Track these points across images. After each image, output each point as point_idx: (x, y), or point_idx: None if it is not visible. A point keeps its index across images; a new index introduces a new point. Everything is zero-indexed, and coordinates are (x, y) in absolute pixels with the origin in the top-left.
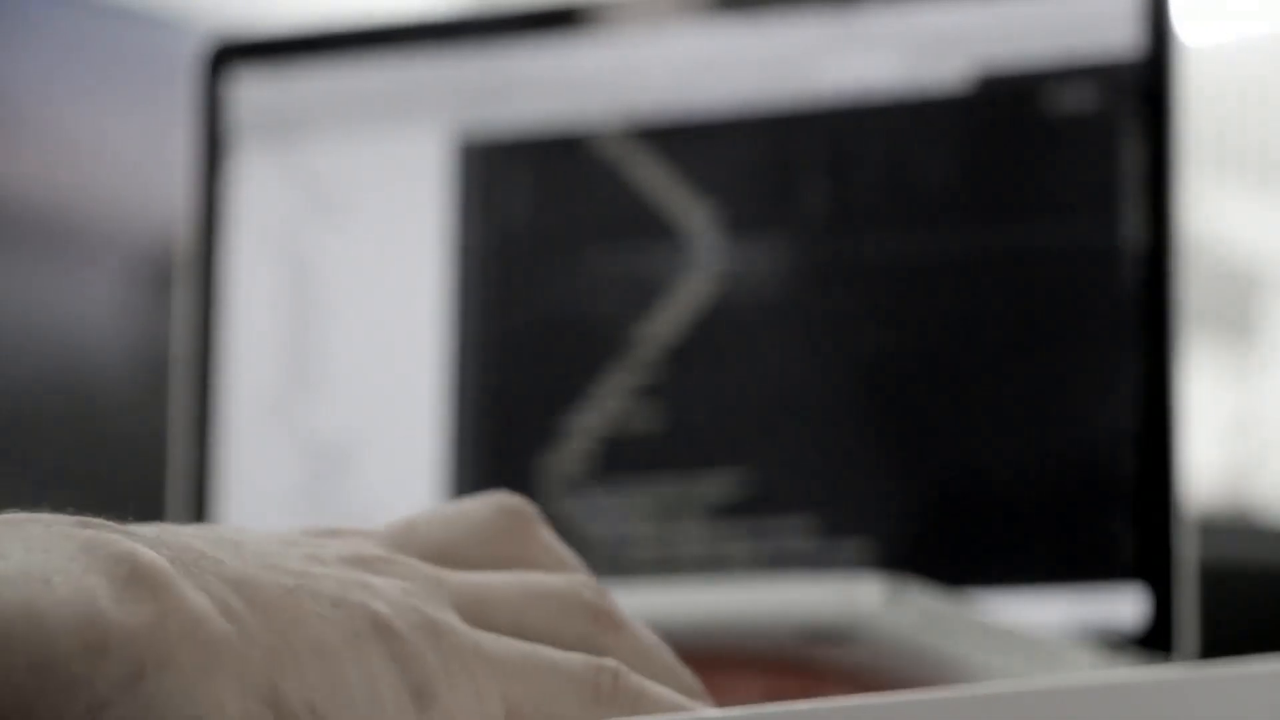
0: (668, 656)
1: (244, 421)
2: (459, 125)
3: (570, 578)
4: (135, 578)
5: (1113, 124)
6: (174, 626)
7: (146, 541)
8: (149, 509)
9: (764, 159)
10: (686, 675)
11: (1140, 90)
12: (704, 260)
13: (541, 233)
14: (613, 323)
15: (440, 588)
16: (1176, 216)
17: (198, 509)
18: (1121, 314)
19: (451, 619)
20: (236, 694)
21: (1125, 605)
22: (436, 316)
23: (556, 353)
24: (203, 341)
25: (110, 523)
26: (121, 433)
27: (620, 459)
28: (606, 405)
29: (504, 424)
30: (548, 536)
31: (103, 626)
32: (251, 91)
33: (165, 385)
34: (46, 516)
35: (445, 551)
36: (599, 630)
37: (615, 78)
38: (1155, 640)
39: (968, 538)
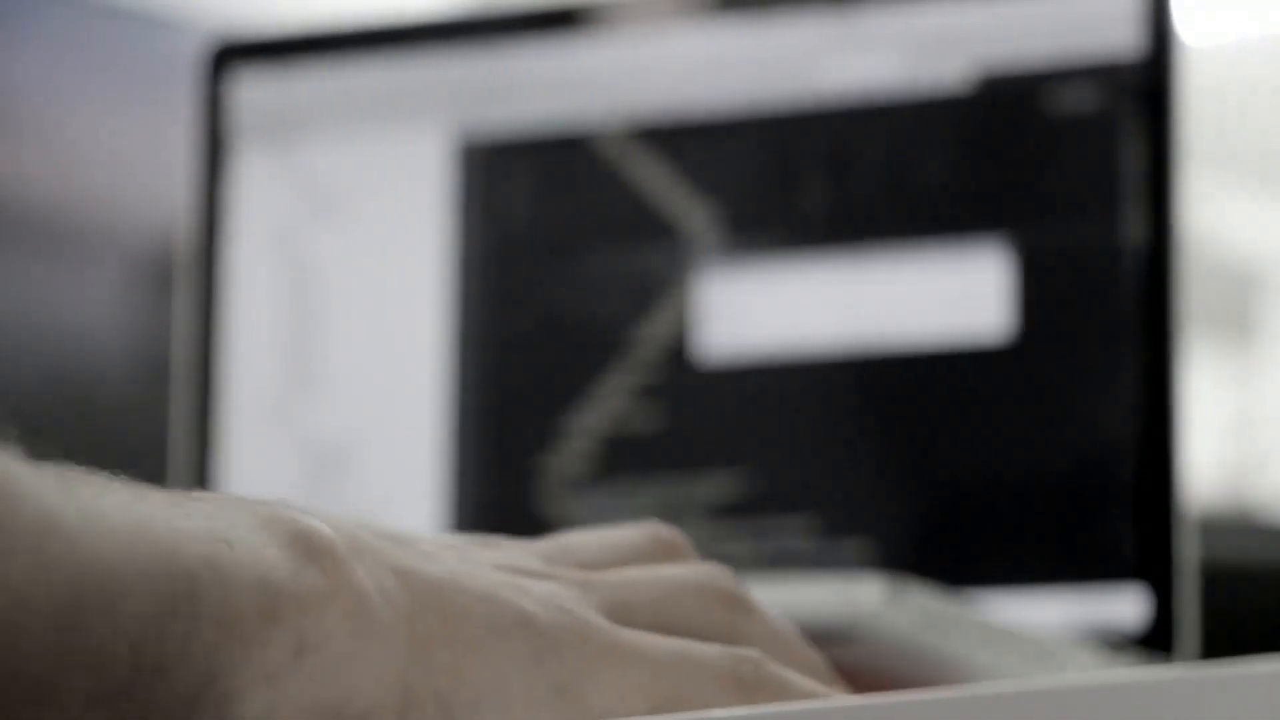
0: (796, 637)
1: (244, 421)
2: (459, 125)
3: (705, 568)
4: (311, 552)
5: (1113, 124)
6: (339, 606)
7: (322, 521)
8: None
9: (764, 159)
10: (813, 654)
11: (1140, 90)
12: (704, 261)
13: (542, 233)
14: (613, 323)
15: (588, 591)
16: (1176, 216)
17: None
18: (1121, 314)
19: (598, 619)
20: (378, 679)
21: (1125, 605)
22: (436, 317)
23: (557, 353)
24: (203, 341)
25: (288, 504)
26: (121, 433)
27: (620, 459)
28: (607, 405)
29: (504, 424)
30: (693, 558)
31: (276, 592)
32: (252, 92)
33: (165, 385)
34: (230, 495)
35: (595, 567)
36: (736, 617)
37: (615, 78)
38: (1155, 640)
39: (968, 538)
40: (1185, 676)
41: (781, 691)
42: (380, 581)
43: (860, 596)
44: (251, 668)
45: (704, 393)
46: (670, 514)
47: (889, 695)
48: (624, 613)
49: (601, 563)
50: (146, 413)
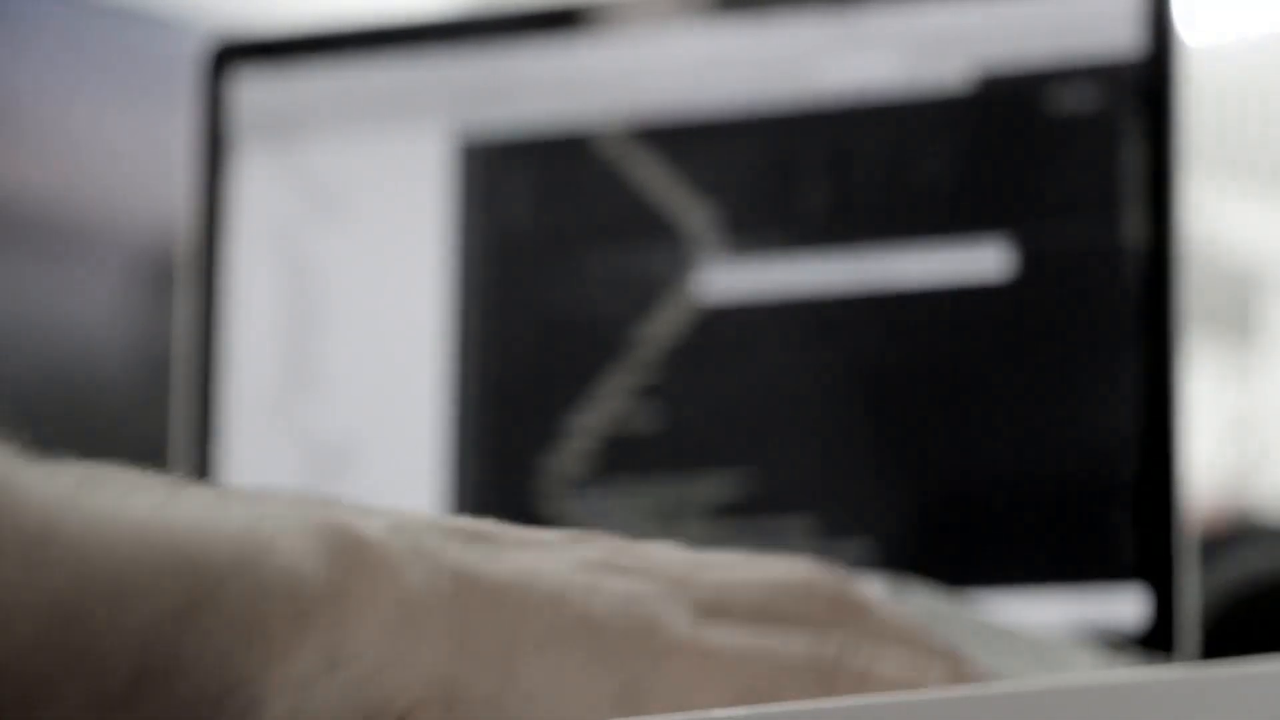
0: (914, 635)
1: (244, 421)
2: (460, 125)
3: (811, 566)
4: (356, 559)
5: (1113, 124)
6: (382, 612)
7: (380, 525)
8: None
9: (764, 159)
10: (934, 659)
11: (1141, 90)
12: (704, 263)
13: (542, 233)
14: (613, 323)
15: (681, 590)
16: (1177, 217)
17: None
18: (1122, 314)
19: (680, 618)
20: (415, 679)
21: (1125, 605)
22: (437, 316)
23: (557, 353)
24: (203, 341)
25: (352, 505)
26: (121, 433)
27: (620, 459)
28: (607, 405)
29: (504, 424)
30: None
31: (310, 599)
32: (253, 92)
33: (165, 385)
34: (288, 494)
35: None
36: (839, 615)
37: (616, 78)
38: (1155, 640)
39: (968, 538)
40: (1185, 676)
41: (862, 684)
42: (434, 584)
43: None
44: (278, 674)
45: (704, 393)
46: (670, 514)
47: (889, 695)
48: (719, 611)
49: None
50: (146, 413)
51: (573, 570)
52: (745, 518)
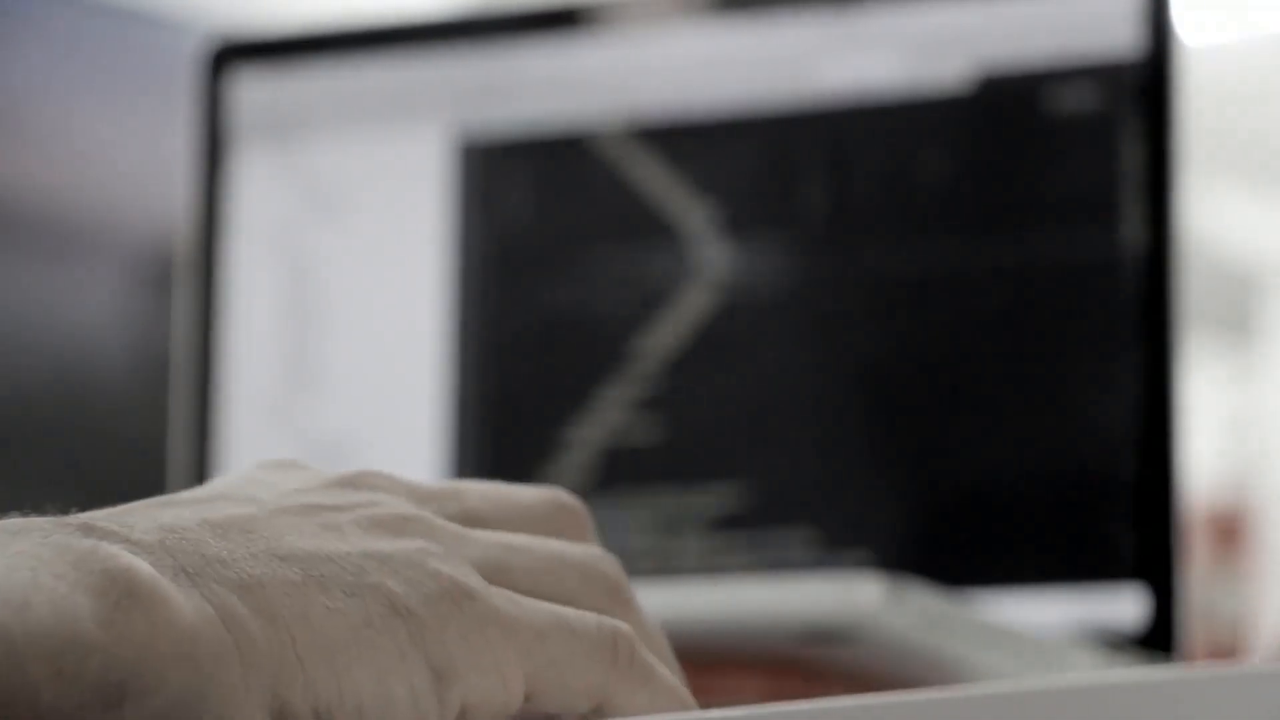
0: (666, 644)
1: (244, 421)
2: (459, 125)
3: (591, 549)
4: (129, 595)
5: (1113, 124)
6: (167, 647)
7: (149, 549)
8: None
9: (764, 159)
10: (678, 666)
11: (1140, 90)
12: (704, 265)
13: (541, 233)
14: (614, 326)
15: (463, 545)
16: (1176, 217)
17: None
18: (1121, 314)
19: (473, 579)
20: (238, 711)
21: (1125, 605)
22: (436, 317)
23: (557, 353)
24: (203, 341)
25: (114, 528)
26: (121, 433)
27: (620, 471)
28: (607, 417)
29: (504, 425)
30: (591, 533)
31: (81, 649)
32: (252, 91)
33: (165, 385)
34: (47, 523)
35: (480, 520)
36: (614, 606)
37: (616, 78)
38: (1155, 640)
39: (968, 538)
40: (1185, 676)
41: (649, 677)
42: (223, 605)
43: (860, 596)
44: None
45: (703, 404)
46: (670, 526)
47: (889, 695)
48: (500, 576)
49: (489, 518)
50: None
51: (357, 538)
52: (745, 530)
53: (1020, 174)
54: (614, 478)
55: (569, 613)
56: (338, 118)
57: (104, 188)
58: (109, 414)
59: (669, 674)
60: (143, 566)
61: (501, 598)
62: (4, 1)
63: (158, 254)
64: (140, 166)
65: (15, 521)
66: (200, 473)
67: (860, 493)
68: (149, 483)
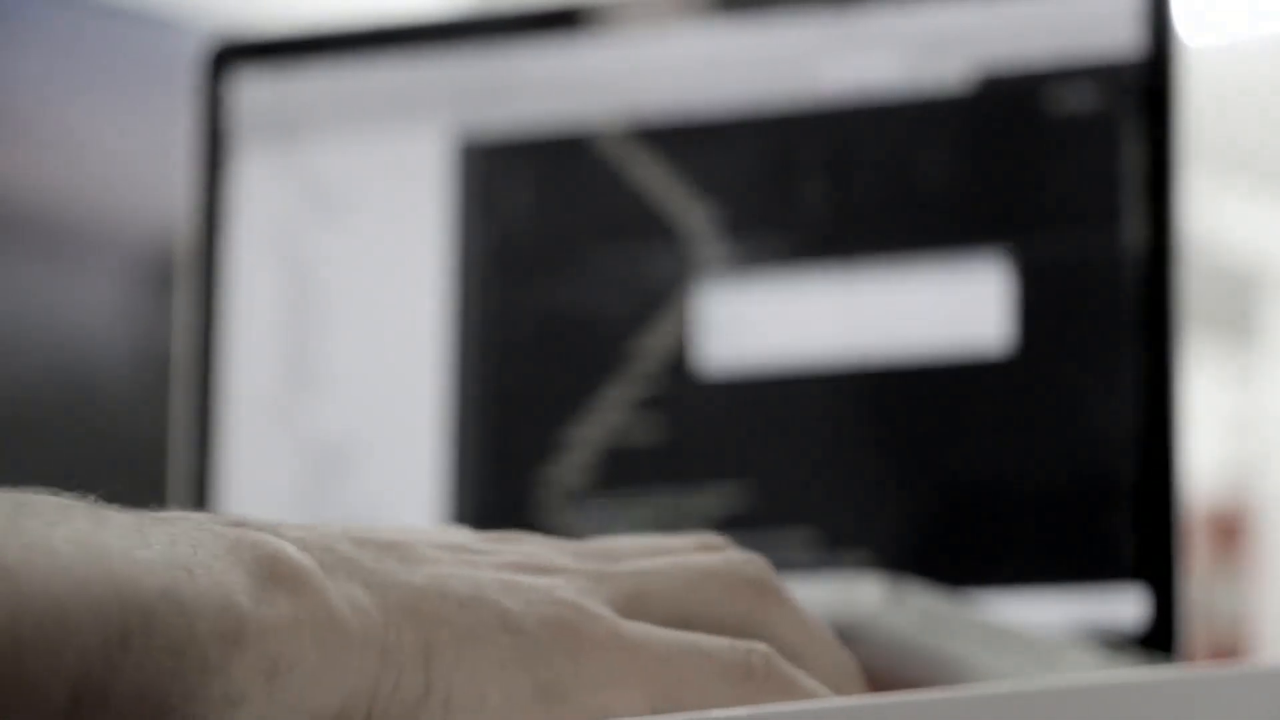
0: (827, 633)
1: (244, 421)
2: (460, 126)
3: (729, 556)
4: (277, 576)
5: (1113, 124)
6: (308, 628)
7: (293, 541)
8: (148, 509)
9: (764, 159)
10: (843, 653)
11: (1140, 90)
12: (704, 265)
13: (541, 233)
14: (614, 326)
15: (600, 583)
16: (1177, 217)
17: (198, 510)
18: (1122, 314)
19: (599, 611)
20: (344, 694)
21: (1125, 605)
22: (437, 317)
23: (557, 354)
24: (203, 341)
25: (260, 523)
26: (121, 433)
27: (620, 471)
28: (607, 417)
29: (505, 425)
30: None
31: (240, 617)
32: (252, 92)
33: (165, 385)
34: (196, 515)
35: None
36: (762, 607)
37: (616, 78)
38: (1155, 640)
39: (968, 538)
40: (1185, 676)
41: (788, 690)
42: (353, 597)
43: (860, 596)
44: (212, 693)
45: (704, 405)
46: (670, 527)
47: (889, 695)
48: (639, 605)
49: (635, 558)
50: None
51: (490, 572)
52: (745, 530)
53: (1020, 174)
54: (614, 478)
55: (696, 637)
56: (338, 118)
57: (104, 188)
58: (109, 414)
59: (811, 682)
60: (291, 550)
61: (623, 624)
62: (4, 2)
63: (158, 254)
64: (140, 166)
65: (162, 513)
66: (201, 473)
67: (860, 493)
68: (149, 483)
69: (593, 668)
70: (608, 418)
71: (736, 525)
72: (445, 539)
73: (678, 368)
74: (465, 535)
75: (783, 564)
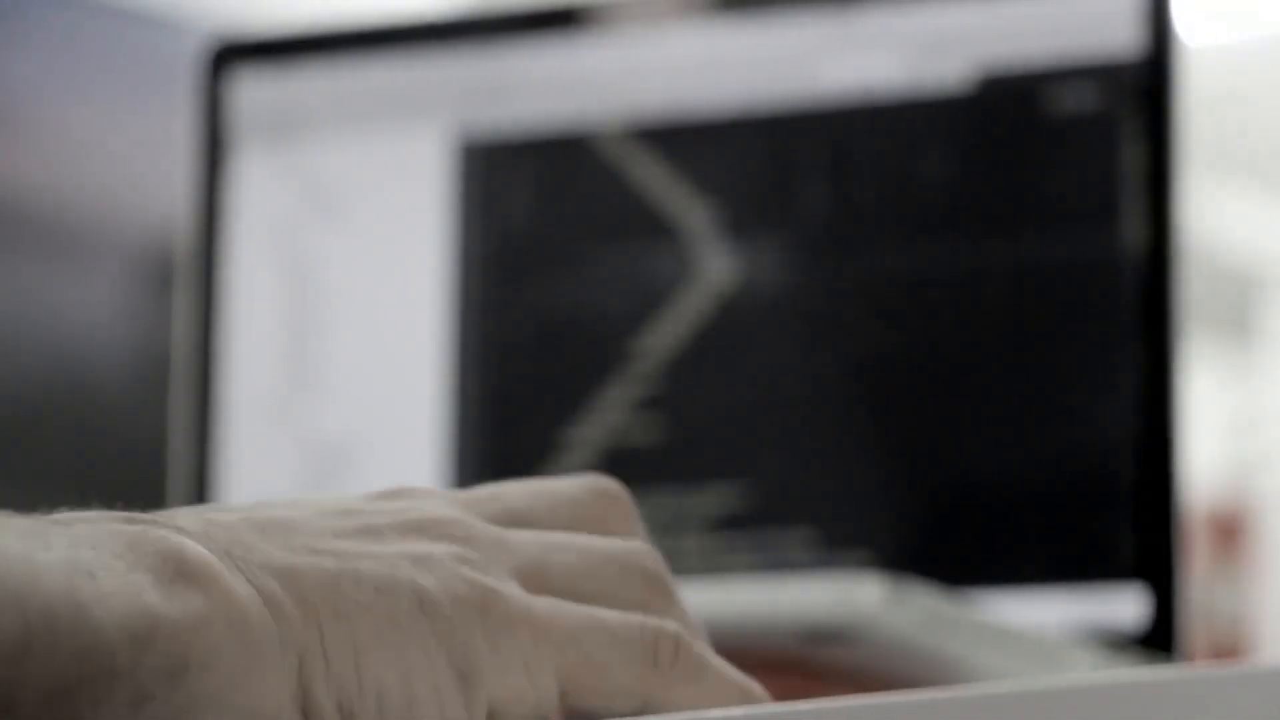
0: (705, 637)
1: (244, 421)
2: (459, 125)
3: (631, 543)
4: (182, 573)
5: (1113, 124)
6: (220, 623)
7: (194, 535)
8: (149, 509)
9: (764, 159)
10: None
11: (1140, 90)
12: (704, 266)
13: (541, 233)
14: (614, 326)
15: (502, 551)
16: (1177, 217)
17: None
18: (1122, 314)
19: (507, 586)
20: (272, 694)
21: (1125, 605)
22: (436, 317)
23: (557, 354)
24: (203, 341)
25: (158, 517)
26: (121, 433)
27: (621, 471)
28: (607, 417)
29: (504, 425)
30: (634, 517)
31: (149, 619)
32: (252, 91)
33: (165, 385)
34: (93, 514)
35: (522, 518)
36: (655, 599)
37: (616, 78)
38: (1155, 640)
39: (968, 538)
40: (1185, 676)
41: (700, 672)
42: (264, 588)
43: (860, 596)
44: (120, 697)
45: (703, 404)
46: (670, 526)
47: (889, 695)
48: (538, 578)
49: (530, 516)
50: (146, 413)
51: (394, 540)
52: (746, 530)
53: (1020, 174)
54: (614, 478)
55: (607, 614)
56: (338, 118)
57: (104, 188)
58: (109, 414)
59: (722, 664)
60: (193, 546)
61: (534, 601)
62: (4, 1)
63: (158, 254)
64: (140, 166)
65: (62, 515)
66: (201, 472)
67: (860, 493)
68: (149, 483)
69: (509, 649)
70: (607, 417)
71: (736, 525)
72: (335, 505)
73: (677, 368)
74: (351, 497)
75: (783, 564)
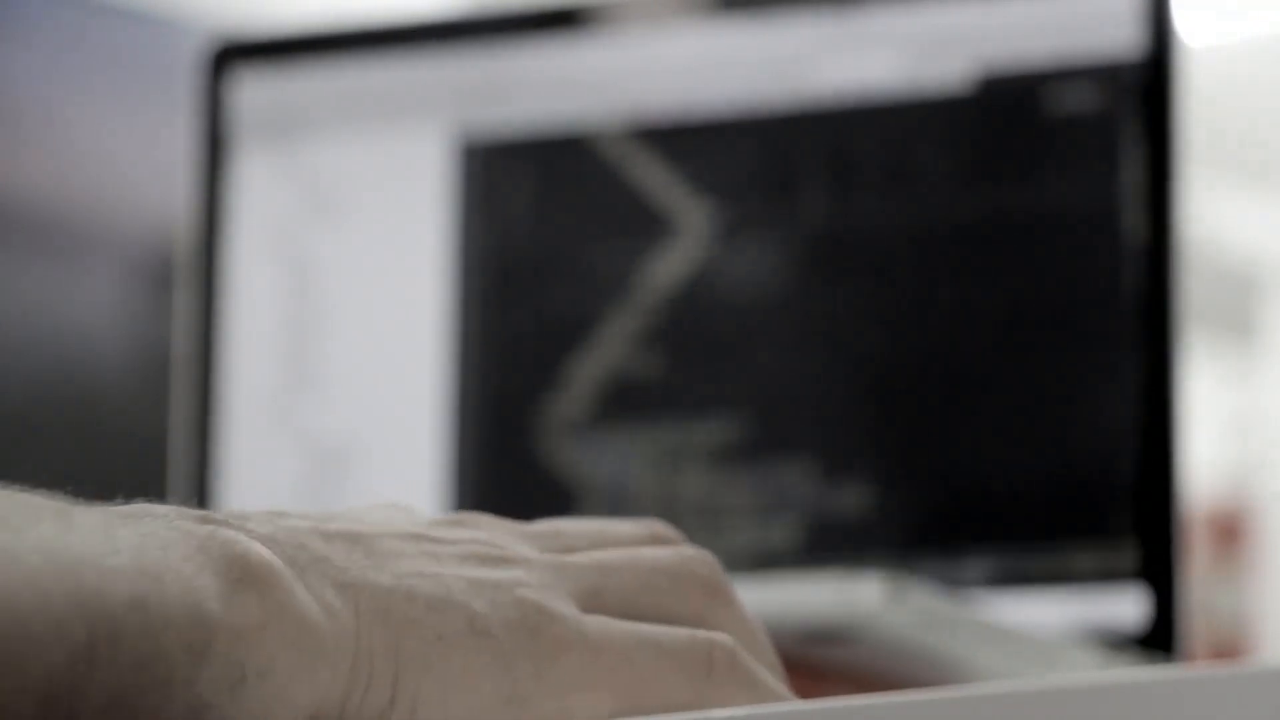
0: (765, 637)
1: (244, 421)
2: (460, 125)
3: (687, 553)
4: (247, 579)
5: (1113, 124)
6: (278, 632)
7: (262, 539)
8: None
9: (764, 159)
10: (775, 658)
11: (1140, 90)
12: (703, 265)
13: (541, 233)
14: (613, 325)
15: (559, 575)
16: (1177, 217)
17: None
18: (1122, 314)
19: (562, 608)
20: (317, 700)
21: (1125, 605)
22: (437, 317)
23: (557, 356)
24: (203, 341)
25: (230, 517)
26: (121, 433)
27: (620, 405)
28: (607, 352)
29: (504, 425)
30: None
31: (209, 627)
32: (252, 91)
33: (166, 385)
34: (167, 510)
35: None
36: (711, 605)
37: (616, 78)
38: (1155, 640)
39: (968, 538)
40: (1185, 676)
41: (751, 685)
42: (324, 599)
43: (860, 596)
44: (178, 707)
45: (704, 337)
46: (671, 458)
47: (889, 695)
48: (595, 597)
49: (586, 547)
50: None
51: (453, 566)
52: (745, 461)
53: (1020, 174)
54: (614, 412)
55: (658, 630)
56: (338, 118)
57: (104, 188)
58: (109, 414)
59: (772, 678)
60: (258, 550)
61: (586, 622)
62: (4, 1)
63: (158, 254)
64: (140, 166)
65: (133, 507)
66: (201, 472)
67: (860, 493)
68: (149, 482)
69: (558, 672)
70: (608, 351)
71: (737, 456)
72: (404, 528)
73: (678, 304)
74: (421, 521)
75: (782, 495)
